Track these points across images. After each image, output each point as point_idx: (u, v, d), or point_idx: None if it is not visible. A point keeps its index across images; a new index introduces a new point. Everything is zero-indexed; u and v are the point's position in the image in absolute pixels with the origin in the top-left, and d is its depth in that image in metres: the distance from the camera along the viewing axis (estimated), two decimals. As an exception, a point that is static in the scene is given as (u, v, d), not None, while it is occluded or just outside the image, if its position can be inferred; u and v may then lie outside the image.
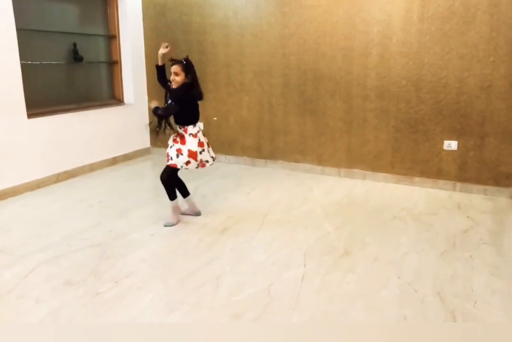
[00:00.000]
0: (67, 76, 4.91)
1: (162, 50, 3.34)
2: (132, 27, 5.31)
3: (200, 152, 3.35)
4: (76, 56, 4.83)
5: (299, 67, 4.78)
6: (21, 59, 4.06)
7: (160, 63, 3.39)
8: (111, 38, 5.31)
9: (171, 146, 3.36)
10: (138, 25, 5.39)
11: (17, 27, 3.98)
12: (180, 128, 3.34)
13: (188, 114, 3.32)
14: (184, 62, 3.22)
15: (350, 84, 4.59)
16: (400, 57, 4.33)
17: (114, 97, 5.48)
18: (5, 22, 3.87)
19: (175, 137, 3.36)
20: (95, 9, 5.10)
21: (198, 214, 3.66)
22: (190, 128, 3.32)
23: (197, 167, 3.39)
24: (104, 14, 5.21)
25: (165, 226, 3.46)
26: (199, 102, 3.38)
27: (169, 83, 3.35)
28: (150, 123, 3.37)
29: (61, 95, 4.82)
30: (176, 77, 3.20)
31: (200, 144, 3.36)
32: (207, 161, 3.43)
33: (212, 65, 5.17)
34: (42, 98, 4.55)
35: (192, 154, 3.31)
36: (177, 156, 3.31)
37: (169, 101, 3.25)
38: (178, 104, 3.21)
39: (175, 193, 3.50)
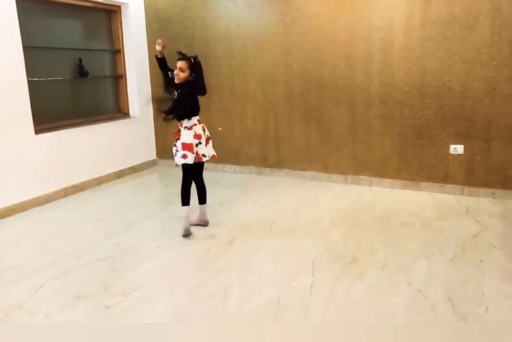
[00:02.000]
0: (73, 91, 4.97)
1: (158, 48, 3.39)
2: (136, 42, 5.38)
3: (196, 145, 3.33)
4: (81, 71, 4.89)
5: (302, 75, 4.81)
6: (28, 76, 4.12)
7: (159, 56, 3.43)
8: (116, 52, 5.38)
9: (174, 145, 3.39)
10: (142, 39, 5.46)
11: (23, 44, 4.05)
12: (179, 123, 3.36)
13: (186, 108, 3.32)
14: (192, 60, 3.24)
15: (354, 91, 4.60)
16: (403, 63, 4.34)
17: (119, 111, 5.54)
18: (12, 40, 3.94)
19: (176, 136, 3.40)
20: (99, 24, 5.18)
21: (206, 223, 3.66)
22: (185, 122, 3.32)
23: (194, 162, 3.34)
24: (108, 29, 5.29)
25: (183, 236, 3.46)
26: (200, 97, 3.41)
27: (171, 74, 3.34)
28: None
29: (67, 110, 4.88)
30: (181, 73, 3.21)
31: (197, 136, 3.33)
32: (204, 155, 3.39)
33: (216, 77, 5.21)
34: (49, 114, 4.60)
35: (187, 147, 3.28)
36: (175, 154, 3.33)
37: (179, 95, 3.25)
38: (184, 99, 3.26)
39: (187, 199, 3.46)
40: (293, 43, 4.77)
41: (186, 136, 3.30)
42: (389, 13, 4.29)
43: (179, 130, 3.36)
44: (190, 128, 3.32)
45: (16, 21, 3.97)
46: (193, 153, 3.31)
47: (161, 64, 3.45)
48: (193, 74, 3.24)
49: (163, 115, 3.28)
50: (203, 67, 3.34)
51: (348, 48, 4.53)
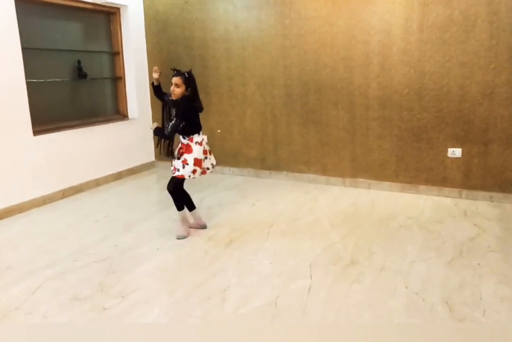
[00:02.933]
0: (71, 93, 4.98)
1: (155, 75, 3.51)
2: (135, 44, 5.39)
3: (203, 160, 3.41)
4: (80, 73, 4.90)
5: (300, 78, 4.82)
6: (26, 77, 4.13)
7: (155, 83, 3.54)
8: (115, 54, 5.39)
9: (178, 158, 3.38)
10: (141, 41, 5.47)
11: (22, 46, 4.06)
12: (185, 139, 3.36)
13: (193, 124, 3.36)
14: (187, 75, 3.27)
15: (352, 94, 4.62)
16: (401, 66, 4.36)
17: (118, 113, 5.54)
18: (11, 41, 3.95)
19: (180, 149, 3.40)
20: (98, 26, 5.19)
21: (204, 227, 3.66)
22: (196, 137, 3.36)
23: (200, 175, 3.41)
24: (107, 31, 5.30)
25: (178, 238, 3.46)
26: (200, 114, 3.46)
27: (166, 98, 3.42)
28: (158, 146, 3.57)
29: (66, 111, 4.88)
30: (176, 89, 3.25)
31: (204, 152, 3.42)
32: (207, 168, 3.50)
33: (215, 79, 5.22)
34: (47, 116, 4.60)
35: (198, 162, 3.34)
36: (183, 167, 3.33)
37: (173, 119, 3.29)
38: (184, 118, 3.25)
39: (183, 203, 3.53)
40: (292, 46, 4.78)
41: (198, 152, 3.35)
42: (388, 16, 4.31)
43: (187, 146, 3.35)
44: (200, 143, 3.38)
45: (15, 23, 3.97)
46: (201, 168, 3.39)
47: (157, 91, 3.56)
48: (189, 89, 3.28)
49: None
50: (201, 80, 3.41)
51: (347, 51, 4.54)
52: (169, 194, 3.46)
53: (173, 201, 3.48)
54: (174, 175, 3.38)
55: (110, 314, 2.45)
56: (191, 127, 3.34)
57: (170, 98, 3.37)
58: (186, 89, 3.26)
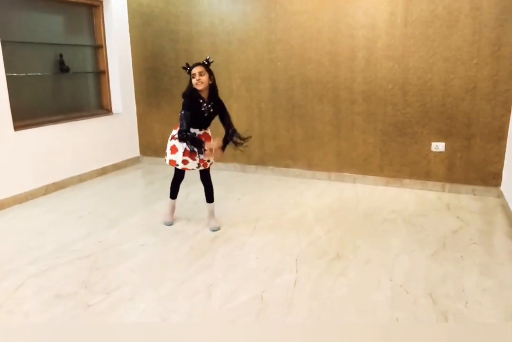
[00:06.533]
0: (54, 87, 4.89)
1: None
2: (119, 37, 5.31)
3: None
4: (62, 67, 4.81)
5: (286, 72, 4.81)
6: (6, 71, 4.03)
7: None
8: (98, 48, 5.30)
9: (204, 150, 3.30)
10: (124, 34, 5.39)
11: (1, 39, 3.96)
12: (205, 129, 3.47)
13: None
14: (206, 62, 3.23)
15: (338, 88, 4.62)
16: (385, 61, 4.37)
17: (102, 107, 5.47)
18: (-11, 34, 3.87)
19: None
20: (81, 19, 5.10)
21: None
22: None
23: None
24: (90, 24, 5.21)
25: (214, 230, 3.50)
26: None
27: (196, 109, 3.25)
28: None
29: (48, 106, 4.79)
30: (202, 77, 3.15)
31: None
32: None
33: (200, 73, 5.17)
34: (29, 110, 4.51)
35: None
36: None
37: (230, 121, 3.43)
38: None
39: None
40: (278, 40, 4.76)
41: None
42: (372, 11, 4.31)
43: (202, 135, 3.42)
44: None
45: (-5, 15, 3.89)
46: None
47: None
48: (212, 76, 3.23)
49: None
50: (186, 76, 3.33)
51: (332, 45, 4.54)
52: (211, 186, 3.57)
53: (211, 193, 3.59)
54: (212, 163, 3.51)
55: (94, 311, 2.42)
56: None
57: (204, 105, 3.25)
58: (210, 77, 3.21)
